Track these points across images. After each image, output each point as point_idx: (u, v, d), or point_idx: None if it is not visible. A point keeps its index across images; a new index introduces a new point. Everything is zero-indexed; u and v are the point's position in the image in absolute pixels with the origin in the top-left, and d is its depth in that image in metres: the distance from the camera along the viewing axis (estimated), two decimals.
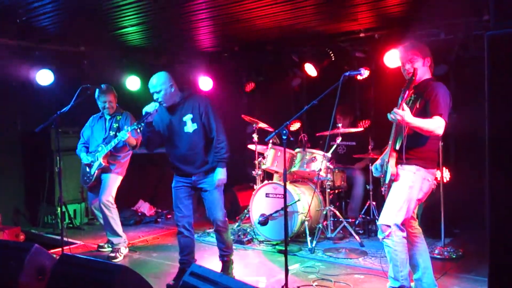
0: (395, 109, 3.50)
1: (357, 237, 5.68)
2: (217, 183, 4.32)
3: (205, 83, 7.64)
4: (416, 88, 3.74)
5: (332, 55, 6.63)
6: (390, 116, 3.54)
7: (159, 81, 4.25)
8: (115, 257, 5.35)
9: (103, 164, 5.35)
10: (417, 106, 3.65)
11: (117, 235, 5.47)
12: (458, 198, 5.98)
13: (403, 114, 3.46)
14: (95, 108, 7.05)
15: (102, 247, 5.79)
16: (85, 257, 3.44)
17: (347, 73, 3.77)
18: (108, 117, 5.59)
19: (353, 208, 6.51)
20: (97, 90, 5.44)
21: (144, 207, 7.68)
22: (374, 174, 4.03)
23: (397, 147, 3.66)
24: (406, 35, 5.83)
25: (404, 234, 3.67)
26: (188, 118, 4.28)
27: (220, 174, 4.31)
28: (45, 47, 6.26)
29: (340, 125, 6.10)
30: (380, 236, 3.72)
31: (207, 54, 7.65)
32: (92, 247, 5.92)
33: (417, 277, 3.86)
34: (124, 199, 6.27)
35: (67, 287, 3.18)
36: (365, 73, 3.87)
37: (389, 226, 3.62)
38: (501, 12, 1.86)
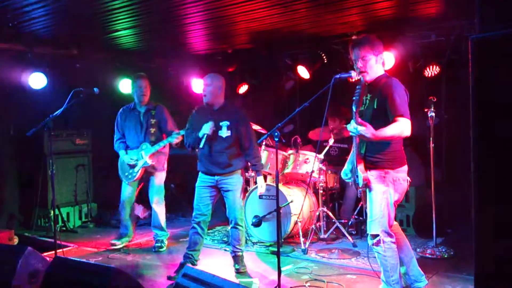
0: (355, 125, 3.42)
1: (349, 237, 5.71)
2: (259, 192, 4.93)
3: (198, 85, 7.65)
4: (370, 86, 3.71)
5: (324, 57, 6.66)
6: (350, 129, 3.48)
7: (212, 78, 4.74)
8: (161, 247, 5.74)
9: (149, 163, 5.55)
10: (375, 107, 3.61)
11: (163, 229, 5.82)
12: (450, 198, 6.03)
13: (364, 131, 3.40)
14: (88, 111, 7.06)
15: (114, 244, 5.88)
16: (78, 260, 3.45)
17: (337, 76, 3.77)
18: (142, 110, 5.72)
19: (346, 209, 6.53)
20: (132, 79, 5.80)
21: (138, 210, 7.66)
22: (345, 180, 4.00)
23: (363, 151, 3.65)
24: (397, 37, 5.89)
25: (393, 239, 3.69)
26: (224, 124, 4.66)
27: (262, 183, 4.88)
28: (37, 50, 6.23)
29: (331, 127, 6.13)
30: (369, 242, 3.76)
31: (200, 56, 7.66)
32: (86, 249, 5.91)
33: (403, 271, 3.90)
34: (117, 202, 6.26)
35: None
36: (355, 75, 3.88)
37: (377, 235, 3.66)
38: (487, 16, 1.89)
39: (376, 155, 3.64)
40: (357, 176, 3.68)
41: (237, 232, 4.77)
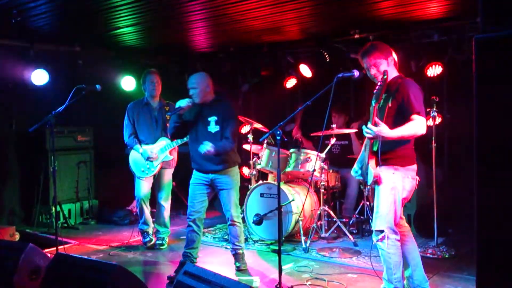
0: (370, 126, 3.50)
1: (350, 236, 5.71)
2: (203, 149, 4.43)
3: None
4: (386, 87, 3.73)
5: (327, 56, 6.65)
6: (366, 133, 3.55)
7: (197, 79, 4.63)
8: (162, 244, 5.79)
9: (171, 157, 5.64)
10: (389, 105, 3.66)
11: (166, 226, 5.88)
12: (451, 198, 6.02)
13: (379, 130, 3.47)
14: (90, 108, 7.06)
15: (148, 242, 5.81)
16: (79, 256, 3.45)
17: (340, 75, 3.81)
18: (155, 105, 5.74)
19: (347, 208, 6.54)
20: (143, 74, 5.73)
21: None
22: (354, 177, 4.03)
23: (375, 149, 3.67)
24: (400, 36, 5.88)
25: (398, 237, 3.70)
26: (212, 119, 4.62)
27: (207, 145, 4.40)
28: (40, 47, 6.25)
29: (334, 125, 6.13)
30: (374, 239, 3.76)
31: (203, 54, 7.66)
32: (87, 246, 5.92)
33: (408, 274, 3.89)
34: (119, 199, 6.27)
35: (61, 286, 3.19)
36: (358, 74, 3.90)
37: (382, 231, 3.67)
38: (490, 16, 1.89)
39: (387, 152, 3.67)
40: (367, 174, 3.72)
41: (234, 228, 4.74)
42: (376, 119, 3.50)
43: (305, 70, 6.90)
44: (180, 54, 7.61)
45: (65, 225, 6.98)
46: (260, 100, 8.35)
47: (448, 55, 5.90)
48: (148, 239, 5.82)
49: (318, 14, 5.32)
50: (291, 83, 7.58)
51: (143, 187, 5.72)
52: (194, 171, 4.80)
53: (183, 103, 4.54)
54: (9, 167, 7.15)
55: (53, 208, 6.54)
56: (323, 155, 5.96)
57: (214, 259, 5.29)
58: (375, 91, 3.57)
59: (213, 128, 4.61)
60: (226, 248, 5.64)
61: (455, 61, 5.93)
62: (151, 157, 5.57)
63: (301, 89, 7.74)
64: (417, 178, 3.80)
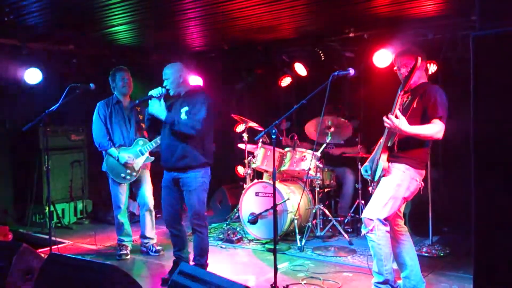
0: (390, 116, 3.52)
1: (346, 235, 5.71)
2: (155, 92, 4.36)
3: (194, 82, 7.63)
4: (412, 91, 3.80)
5: (322, 55, 6.64)
6: (385, 122, 3.57)
7: (170, 69, 4.46)
8: (162, 250, 5.55)
9: (152, 158, 5.39)
10: (414, 106, 3.69)
11: (153, 238, 5.65)
12: (446, 196, 6.03)
13: (398, 123, 3.49)
14: (84, 107, 7.02)
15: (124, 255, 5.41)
16: (73, 256, 3.43)
17: (336, 73, 3.83)
18: (126, 104, 5.39)
19: (343, 206, 6.54)
20: (112, 71, 5.44)
21: (133, 206, 7.62)
22: (363, 176, 4.06)
23: (390, 144, 3.70)
24: (394, 35, 5.88)
25: (387, 228, 3.71)
26: (184, 110, 4.36)
27: (154, 104, 4.33)
28: (33, 45, 6.21)
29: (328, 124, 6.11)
30: (363, 230, 3.77)
31: (197, 53, 7.63)
32: (81, 246, 5.89)
33: (405, 275, 3.90)
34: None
35: (55, 287, 3.16)
36: (353, 73, 3.90)
37: (372, 220, 3.67)
38: (487, 13, 1.88)
39: (402, 150, 3.72)
40: (376, 169, 3.75)
41: (195, 238, 4.45)
42: (397, 112, 3.52)
43: (300, 69, 6.89)
44: (174, 53, 7.57)
45: (59, 225, 6.95)
46: (254, 99, 8.33)
47: (442, 54, 5.91)
48: (124, 252, 5.41)
49: (312, 12, 5.31)
50: (286, 81, 7.58)
51: (123, 194, 5.44)
52: (164, 172, 4.57)
53: (155, 92, 4.35)
54: (2, 166, 7.11)
55: (47, 208, 6.49)
56: (318, 153, 5.96)
57: (209, 259, 5.26)
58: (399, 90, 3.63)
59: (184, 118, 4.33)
60: (222, 247, 5.64)
61: (449, 59, 5.94)
62: (129, 163, 5.27)
63: (296, 87, 7.74)
64: (422, 183, 3.83)
